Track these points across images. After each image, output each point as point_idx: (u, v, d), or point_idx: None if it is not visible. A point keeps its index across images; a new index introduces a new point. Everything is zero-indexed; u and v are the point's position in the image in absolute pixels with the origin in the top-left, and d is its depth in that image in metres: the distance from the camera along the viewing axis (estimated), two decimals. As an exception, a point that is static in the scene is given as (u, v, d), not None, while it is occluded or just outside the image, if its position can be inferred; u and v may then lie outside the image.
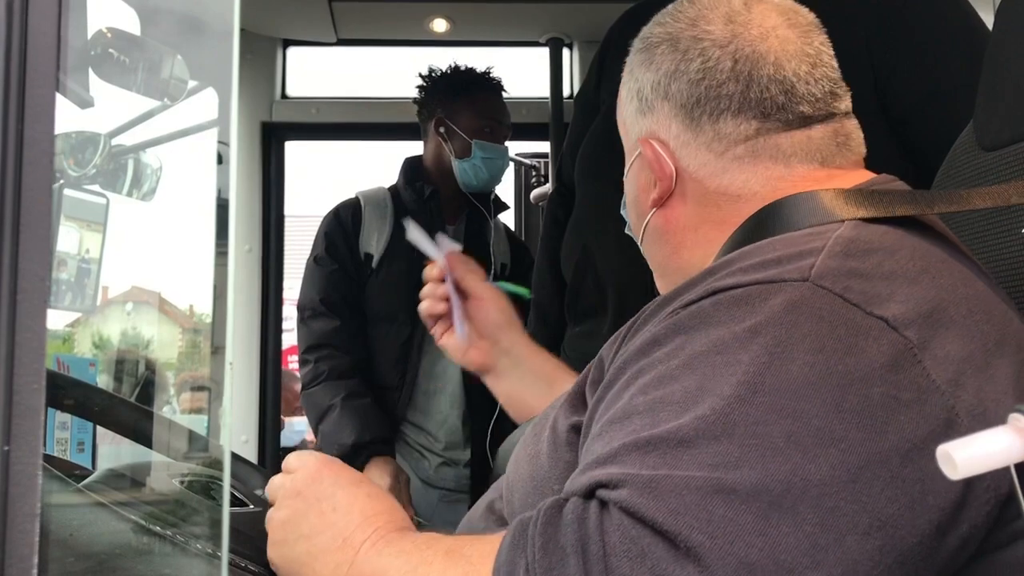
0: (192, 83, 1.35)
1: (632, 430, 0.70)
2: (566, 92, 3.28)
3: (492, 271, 2.56)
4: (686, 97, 0.93)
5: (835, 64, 0.95)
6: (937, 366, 0.69)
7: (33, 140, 0.48)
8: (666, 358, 0.73)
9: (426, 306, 1.34)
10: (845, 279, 0.73)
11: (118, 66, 1.29)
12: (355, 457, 2.17)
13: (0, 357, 0.47)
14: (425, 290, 1.34)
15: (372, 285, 2.47)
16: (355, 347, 2.40)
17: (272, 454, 3.08)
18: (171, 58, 1.32)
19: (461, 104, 2.54)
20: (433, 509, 2.47)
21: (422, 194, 2.53)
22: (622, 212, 1.09)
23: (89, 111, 1.23)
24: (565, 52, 3.27)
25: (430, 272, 1.31)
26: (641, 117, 0.98)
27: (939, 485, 0.65)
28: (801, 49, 0.92)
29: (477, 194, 2.57)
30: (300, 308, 2.46)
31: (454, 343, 1.31)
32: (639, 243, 1.04)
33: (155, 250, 1.70)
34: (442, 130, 2.54)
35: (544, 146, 3.35)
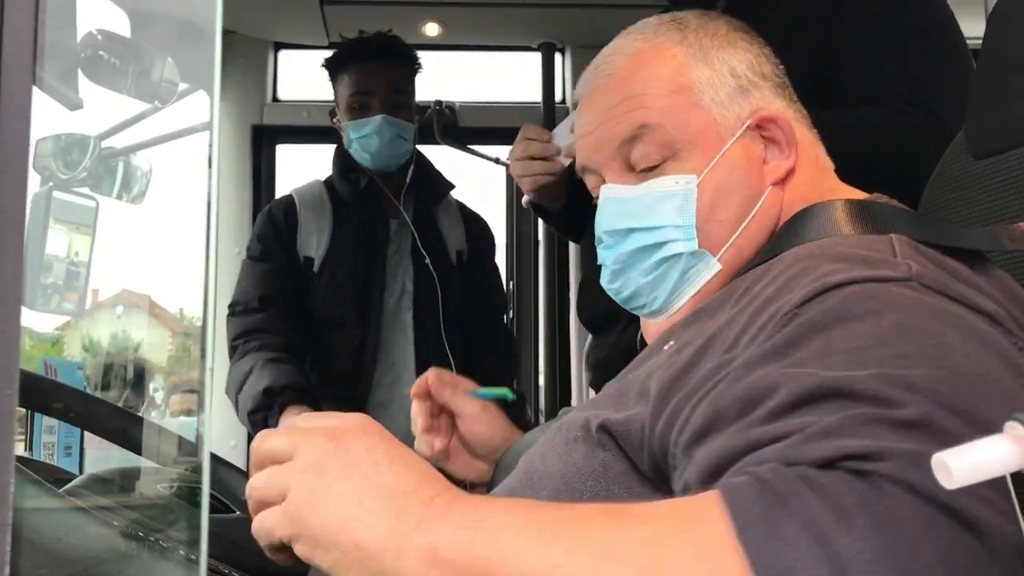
0: (183, 86, 1.34)
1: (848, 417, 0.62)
2: (558, 97, 3.28)
3: (450, 261, 2.37)
4: (776, 76, 0.99)
5: None
6: None
7: (9, 140, 0.48)
8: (818, 357, 0.67)
9: (420, 425, 1.20)
10: (941, 278, 0.74)
11: (108, 68, 1.28)
12: (267, 406, 1.91)
13: None
14: (414, 410, 1.20)
15: (316, 290, 2.26)
16: (290, 335, 2.16)
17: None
18: (162, 61, 1.32)
19: (336, 90, 2.37)
20: None
21: (357, 185, 2.33)
22: (659, 217, 0.95)
23: (79, 113, 1.22)
24: (557, 57, 3.28)
25: (414, 392, 1.19)
26: (742, 96, 0.95)
27: None
28: None
29: (418, 177, 2.35)
30: (232, 305, 2.24)
31: (458, 467, 1.20)
32: (719, 254, 0.94)
33: (145, 253, 1.69)
34: (335, 120, 2.39)
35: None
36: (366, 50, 2.33)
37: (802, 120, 1.00)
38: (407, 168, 2.34)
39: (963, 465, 0.48)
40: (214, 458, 1.53)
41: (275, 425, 1.83)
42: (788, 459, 0.59)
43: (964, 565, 0.52)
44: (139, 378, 1.87)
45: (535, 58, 3.23)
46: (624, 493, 0.80)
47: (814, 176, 0.97)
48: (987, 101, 1.13)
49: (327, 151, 2.47)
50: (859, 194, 0.96)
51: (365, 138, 2.26)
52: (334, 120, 2.36)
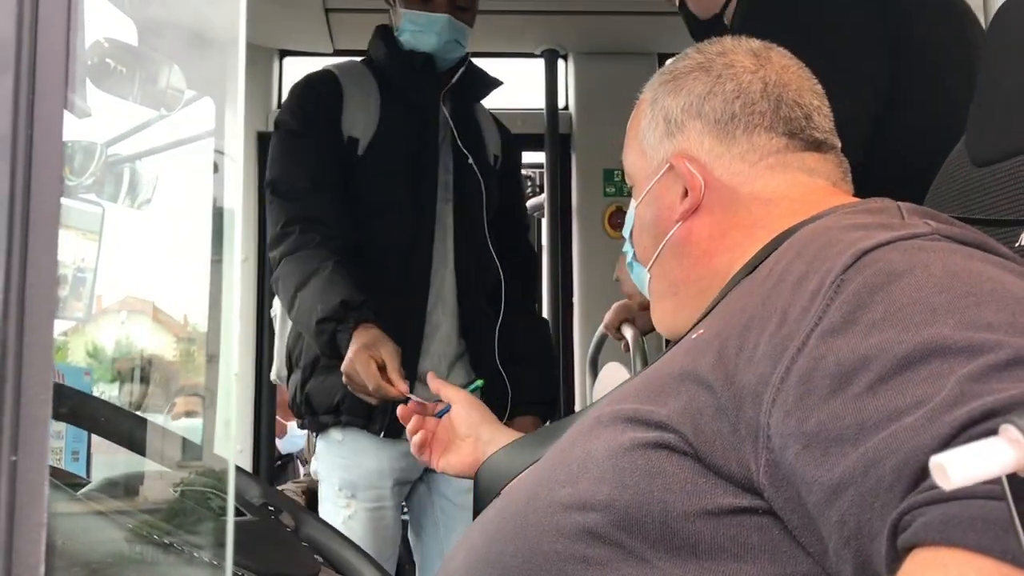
0: (190, 93, 1.36)
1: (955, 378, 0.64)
2: (561, 103, 3.30)
3: (488, 162, 2.24)
4: (720, 113, 1.02)
5: (831, 112, 1.06)
6: None
7: (42, 157, 0.49)
8: (889, 315, 0.69)
9: (417, 440, 1.42)
10: (957, 230, 0.80)
11: (115, 76, 1.29)
12: (342, 318, 1.80)
13: (8, 368, 0.47)
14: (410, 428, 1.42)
15: (361, 173, 2.08)
16: (348, 228, 2.01)
17: (267, 463, 3.09)
18: (168, 68, 1.33)
19: None
20: (434, 487, 2.11)
21: (413, 64, 2.11)
22: (627, 242, 1.16)
23: (86, 120, 1.24)
24: (560, 63, 3.29)
25: (401, 413, 1.42)
26: (667, 139, 1.06)
27: None
28: (812, 88, 1.06)
29: (464, 78, 2.20)
30: (274, 181, 2.04)
31: (453, 460, 1.39)
32: (647, 267, 1.11)
33: (151, 259, 1.71)
34: None
35: (539, 156, 3.36)
36: None
37: (740, 156, 1.01)
38: (453, 67, 2.18)
39: (960, 467, 0.49)
40: (224, 463, 1.55)
41: (345, 341, 1.78)
42: (924, 450, 0.59)
43: None
44: (146, 383, 1.88)
45: (539, 64, 3.24)
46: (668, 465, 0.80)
47: (736, 206, 1.01)
48: (987, 109, 1.14)
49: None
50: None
51: (421, 32, 2.08)
52: None
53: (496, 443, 1.32)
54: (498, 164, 2.28)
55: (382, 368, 1.76)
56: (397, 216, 2.05)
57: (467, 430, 1.38)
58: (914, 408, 0.63)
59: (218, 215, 1.39)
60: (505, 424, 1.88)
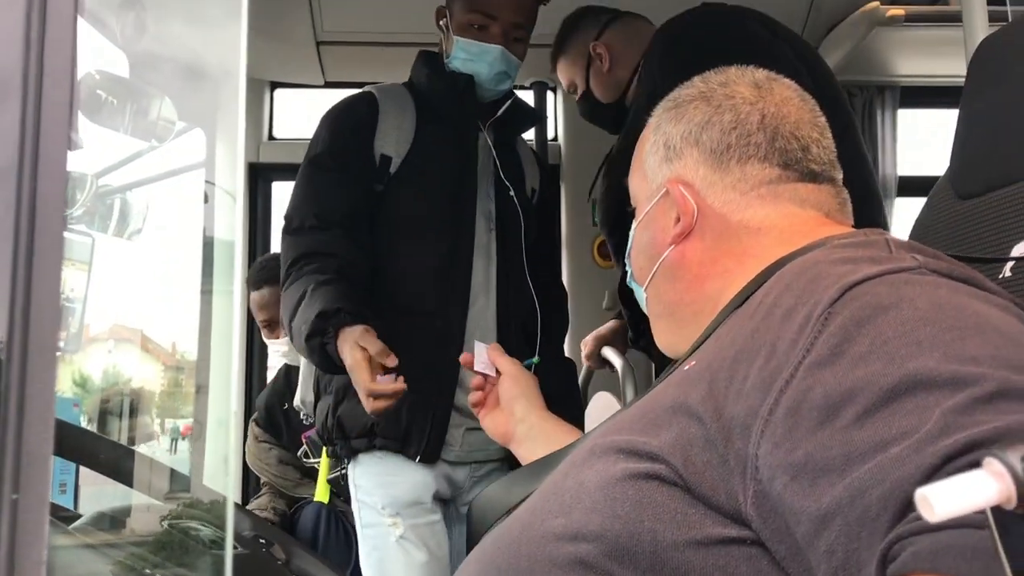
0: (181, 124, 1.36)
1: (946, 401, 0.65)
2: (550, 134, 3.32)
3: (527, 196, 2.20)
4: (717, 143, 1.04)
5: (833, 144, 1.07)
6: None
7: (45, 196, 0.50)
8: (876, 348, 0.71)
9: (472, 398, 1.47)
10: (944, 264, 0.81)
11: (107, 108, 1.30)
12: (322, 330, 1.77)
13: (10, 406, 0.47)
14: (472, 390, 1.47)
15: (395, 193, 2.01)
16: (352, 256, 1.93)
17: (255, 495, 3.06)
18: (160, 100, 1.33)
19: None
20: (463, 491, 2.01)
21: (456, 85, 2.06)
22: (626, 262, 1.18)
23: (77, 151, 1.24)
24: (549, 95, 3.31)
25: (465, 361, 1.45)
26: (666, 164, 1.08)
27: None
28: (812, 120, 1.07)
29: (508, 111, 2.15)
30: (288, 218, 2.00)
31: (489, 424, 1.43)
32: (643, 287, 1.13)
33: (141, 289, 1.70)
34: (442, 22, 2.12)
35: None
36: None
37: (732, 185, 1.04)
38: (498, 103, 2.14)
39: (944, 500, 0.49)
40: (215, 495, 1.53)
41: (333, 350, 1.76)
42: (910, 480, 0.61)
43: None
44: (135, 414, 1.87)
45: (528, 96, 3.27)
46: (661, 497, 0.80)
47: (726, 233, 1.03)
48: (969, 144, 1.16)
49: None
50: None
51: (472, 61, 2.04)
52: (440, 22, 2.11)
53: (527, 422, 1.38)
54: (535, 198, 2.26)
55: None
56: (434, 237, 1.99)
57: (506, 403, 1.42)
58: (900, 439, 0.64)
59: (208, 245, 1.39)
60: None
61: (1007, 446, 0.50)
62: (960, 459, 0.60)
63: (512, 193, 2.10)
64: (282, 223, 2.03)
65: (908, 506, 0.60)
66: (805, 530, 0.68)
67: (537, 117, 2.29)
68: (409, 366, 1.71)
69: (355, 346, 1.71)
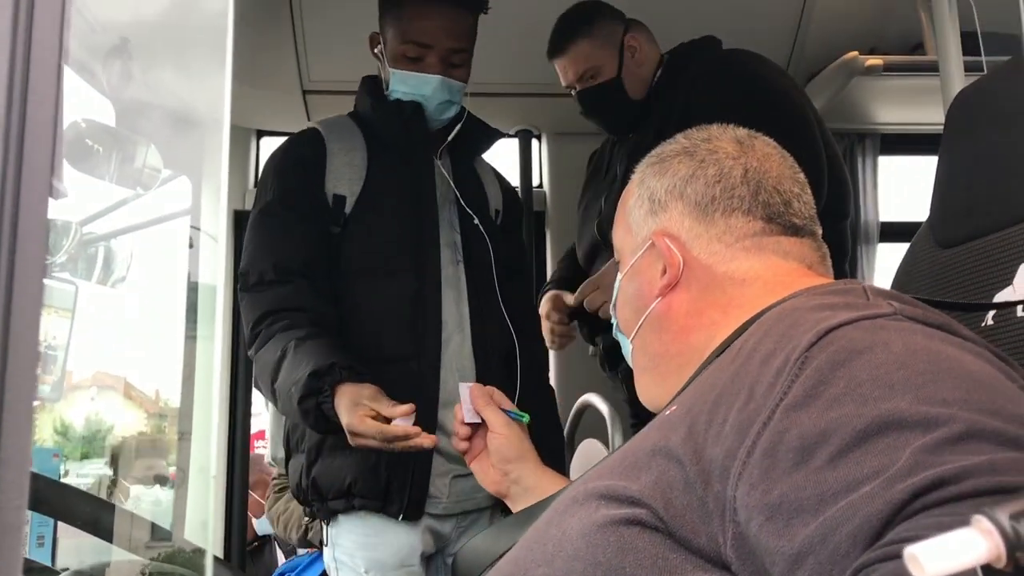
0: (167, 171, 1.36)
1: (915, 442, 0.67)
2: (535, 181, 3.34)
3: (492, 220, 2.08)
4: (701, 196, 1.06)
5: (812, 200, 1.09)
6: None
7: (25, 245, 0.49)
8: (849, 390, 0.72)
9: (454, 444, 1.43)
10: (920, 311, 0.83)
11: (93, 156, 1.30)
12: (318, 390, 1.66)
13: None
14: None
15: (352, 234, 1.88)
16: (321, 307, 1.83)
17: (239, 546, 3.01)
18: (145, 148, 1.34)
19: (384, 19, 1.96)
20: (449, 543, 1.91)
21: (401, 114, 1.94)
22: (612, 312, 1.19)
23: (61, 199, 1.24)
24: (534, 143, 3.34)
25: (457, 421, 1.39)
26: (651, 217, 1.10)
27: None
28: (793, 176, 1.09)
29: (461, 134, 2.01)
30: (244, 274, 1.86)
31: (479, 472, 1.39)
32: (630, 339, 1.13)
33: (123, 335, 1.69)
34: (377, 50, 2.00)
35: (514, 234, 3.39)
36: None
37: (718, 237, 1.05)
38: (450, 126, 2.00)
39: (934, 558, 0.49)
40: (201, 551, 1.50)
41: (331, 409, 1.65)
42: (879, 516, 0.62)
43: None
44: (115, 463, 1.84)
45: (513, 144, 3.30)
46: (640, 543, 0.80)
47: (712, 285, 1.04)
48: (949, 193, 1.17)
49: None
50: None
51: (412, 93, 1.93)
52: (375, 50, 2.00)
53: (522, 483, 1.34)
54: (499, 219, 2.12)
55: (377, 417, 1.64)
56: (398, 276, 1.87)
57: (498, 462, 1.37)
58: (871, 478, 0.65)
59: (193, 290, 1.39)
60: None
61: (996, 504, 0.50)
62: (928, 495, 0.61)
63: (477, 221, 1.99)
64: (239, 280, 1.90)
65: (877, 540, 0.61)
66: (780, 570, 0.69)
67: (496, 134, 2.11)
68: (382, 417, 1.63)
69: (355, 407, 1.62)
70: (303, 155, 1.90)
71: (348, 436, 1.63)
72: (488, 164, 2.19)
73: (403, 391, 1.72)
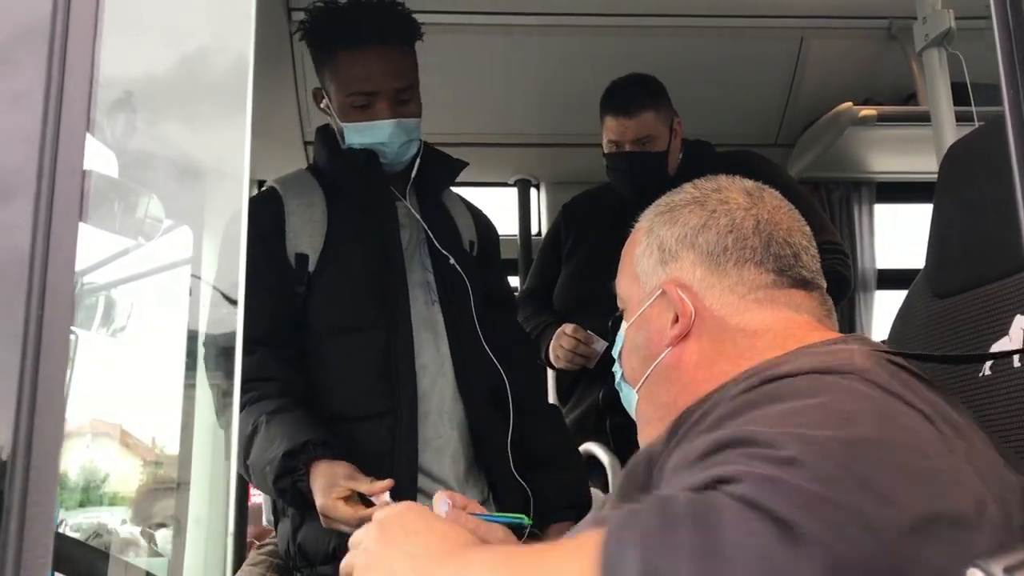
0: (168, 222, 1.37)
1: (739, 455, 0.75)
2: (534, 230, 3.36)
3: (467, 253, 2.04)
4: (713, 246, 1.06)
5: (817, 254, 1.11)
6: (967, 459, 0.76)
7: (53, 309, 0.50)
8: (744, 424, 0.79)
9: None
10: (886, 377, 0.83)
11: (93, 206, 1.31)
12: (292, 468, 1.63)
13: (10, 533, 0.46)
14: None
15: (317, 291, 1.85)
16: (287, 375, 1.79)
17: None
18: (147, 198, 1.35)
19: (325, 73, 1.91)
20: None
21: (355, 163, 1.89)
22: (616, 362, 1.18)
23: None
24: (532, 192, 3.37)
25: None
26: (661, 266, 1.09)
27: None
28: (801, 228, 1.10)
29: (424, 168, 1.96)
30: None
31: None
32: (635, 389, 1.12)
33: (122, 384, 1.69)
34: (323, 104, 1.95)
35: (514, 281, 3.40)
36: (360, 33, 1.85)
37: (730, 288, 1.05)
38: (411, 161, 1.95)
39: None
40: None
41: (306, 487, 1.62)
42: (687, 486, 0.74)
43: (774, 566, 0.65)
44: (112, 513, 1.83)
45: (512, 193, 3.32)
46: None
47: (723, 336, 1.04)
48: (944, 243, 1.18)
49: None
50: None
51: (370, 143, 1.88)
52: (321, 105, 1.96)
53: None
54: (475, 250, 2.06)
55: (352, 496, 1.61)
56: (366, 329, 1.83)
57: None
58: (702, 471, 0.75)
59: (193, 339, 1.39)
60: (540, 533, 1.71)
61: (990, 557, 0.51)
62: (719, 485, 0.71)
63: (452, 261, 1.93)
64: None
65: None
66: None
67: (459, 165, 2.03)
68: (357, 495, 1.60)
69: (330, 488, 1.59)
70: (261, 222, 1.85)
71: (321, 519, 1.61)
72: (455, 194, 2.13)
73: (379, 451, 1.73)
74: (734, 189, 1.10)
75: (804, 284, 1.06)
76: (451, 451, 1.86)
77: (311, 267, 1.86)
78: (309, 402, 1.80)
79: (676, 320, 1.06)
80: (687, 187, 1.13)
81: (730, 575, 0.66)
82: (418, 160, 1.95)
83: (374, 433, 1.77)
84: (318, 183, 1.94)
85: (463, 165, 2.05)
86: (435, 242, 1.94)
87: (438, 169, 2.01)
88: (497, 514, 1.28)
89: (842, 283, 2.42)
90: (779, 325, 1.02)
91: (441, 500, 1.21)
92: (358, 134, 1.88)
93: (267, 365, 1.78)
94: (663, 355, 1.07)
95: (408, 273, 1.91)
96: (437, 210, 2.01)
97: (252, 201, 1.94)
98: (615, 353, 1.18)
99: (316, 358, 1.85)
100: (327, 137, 1.99)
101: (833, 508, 0.67)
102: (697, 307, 1.05)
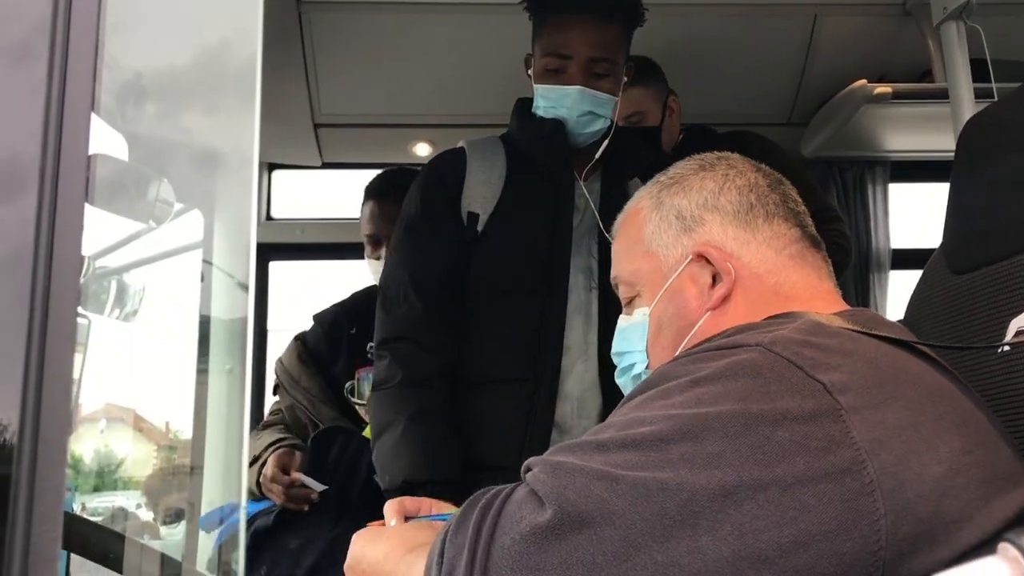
0: (178, 206, 1.37)
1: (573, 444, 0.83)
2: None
3: None
4: (738, 205, 1.05)
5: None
6: (864, 427, 0.75)
7: (59, 281, 0.50)
8: (625, 405, 0.86)
9: None
10: (798, 347, 0.81)
11: (103, 190, 1.30)
12: (401, 491, 1.68)
13: (19, 510, 0.46)
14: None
15: (481, 251, 1.90)
16: (442, 343, 1.85)
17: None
18: (157, 182, 1.34)
19: (535, 36, 1.96)
20: None
21: (542, 129, 1.92)
22: (639, 354, 1.13)
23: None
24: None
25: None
26: (686, 234, 1.07)
27: (814, 516, 0.71)
28: (800, 193, 1.12)
29: (609, 154, 1.98)
30: (383, 287, 1.93)
31: None
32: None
33: (137, 369, 1.70)
34: (529, 71, 1.99)
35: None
36: (570, 1, 1.89)
37: (767, 242, 1.03)
38: (597, 144, 1.96)
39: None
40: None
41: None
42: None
43: (538, 541, 0.74)
44: (128, 497, 1.84)
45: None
46: None
47: (759, 298, 1.01)
48: (961, 219, 1.17)
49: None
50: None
51: (554, 108, 1.91)
52: (528, 71, 1.98)
53: None
54: None
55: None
56: (523, 298, 1.86)
57: None
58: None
59: (205, 324, 1.39)
60: None
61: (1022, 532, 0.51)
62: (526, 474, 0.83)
63: None
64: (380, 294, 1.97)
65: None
66: None
67: (650, 152, 2.05)
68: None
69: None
70: (443, 173, 1.95)
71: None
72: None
73: (514, 413, 1.77)
74: (735, 157, 1.11)
75: (817, 244, 1.06)
76: (565, 427, 1.87)
77: (479, 227, 1.91)
78: (457, 367, 1.86)
79: (714, 281, 1.03)
80: (687, 160, 1.12)
81: (496, 558, 0.75)
82: (605, 143, 1.96)
83: (510, 396, 1.81)
84: (504, 149, 1.99)
85: (657, 155, 2.07)
86: (602, 227, 1.93)
87: (625, 155, 2.02)
88: (435, 514, 1.28)
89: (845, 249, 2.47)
90: (806, 293, 1.01)
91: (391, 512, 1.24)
92: (544, 96, 1.91)
93: (425, 329, 1.85)
94: (701, 320, 1.03)
95: (573, 255, 1.92)
96: (619, 198, 2.04)
97: (436, 157, 2.04)
98: (628, 347, 1.14)
99: (470, 316, 1.90)
100: (521, 106, 2.02)
101: (603, 487, 0.74)
102: (735, 266, 1.03)
